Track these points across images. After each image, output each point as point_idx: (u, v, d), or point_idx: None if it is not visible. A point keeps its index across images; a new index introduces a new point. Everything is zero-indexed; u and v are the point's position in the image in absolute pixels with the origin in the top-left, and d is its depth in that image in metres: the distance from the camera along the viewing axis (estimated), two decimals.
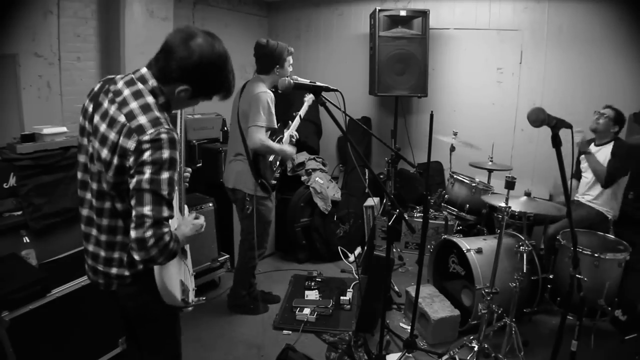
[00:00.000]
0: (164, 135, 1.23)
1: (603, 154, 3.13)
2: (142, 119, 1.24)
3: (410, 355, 2.49)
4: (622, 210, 3.22)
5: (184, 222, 1.55)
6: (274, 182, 2.86)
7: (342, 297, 3.16)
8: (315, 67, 5.07)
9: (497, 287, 2.45)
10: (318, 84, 1.74)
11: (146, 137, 1.22)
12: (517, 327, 2.47)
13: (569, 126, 1.57)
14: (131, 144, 1.22)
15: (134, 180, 1.22)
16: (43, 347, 2.00)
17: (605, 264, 2.62)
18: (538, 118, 1.54)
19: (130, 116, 1.25)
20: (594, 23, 3.85)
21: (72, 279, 2.15)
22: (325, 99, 1.72)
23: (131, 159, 1.22)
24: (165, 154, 1.23)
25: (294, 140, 2.93)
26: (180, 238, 1.38)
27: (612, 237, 2.91)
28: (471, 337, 2.55)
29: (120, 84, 1.33)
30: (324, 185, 3.95)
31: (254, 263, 2.92)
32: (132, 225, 1.22)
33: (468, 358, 2.45)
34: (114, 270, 1.40)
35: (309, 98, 2.93)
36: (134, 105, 1.27)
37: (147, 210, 1.20)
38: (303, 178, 4.01)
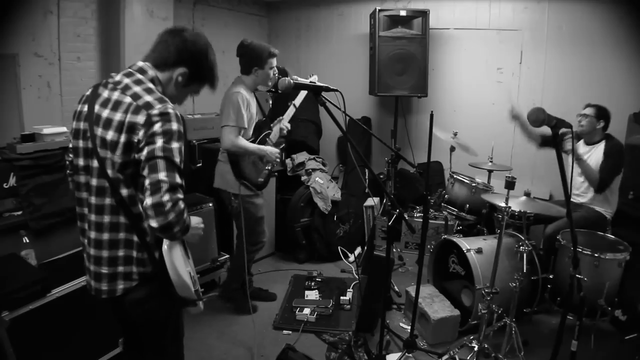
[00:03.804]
0: (171, 110, 1.30)
1: (595, 155, 3.06)
2: (148, 98, 1.31)
3: (410, 355, 2.49)
4: (621, 210, 3.19)
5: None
6: (261, 180, 2.80)
7: (342, 297, 3.16)
8: (315, 67, 5.05)
9: (497, 287, 2.44)
10: (318, 83, 1.75)
11: (155, 111, 1.28)
12: (517, 327, 2.47)
13: (569, 126, 1.58)
14: (140, 118, 1.27)
15: (145, 150, 1.25)
16: (43, 347, 2.00)
17: (605, 264, 2.62)
18: (538, 118, 1.55)
19: (136, 96, 1.31)
20: (594, 23, 3.85)
21: (72, 279, 2.15)
22: (325, 99, 1.72)
23: (141, 132, 1.26)
24: (174, 125, 1.29)
25: (284, 132, 2.89)
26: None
27: (612, 237, 2.90)
28: (471, 337, 2.55)
29: (118, 77, 1.40)
30: (324, 185, 3.95)
31: (247, 258, 2.92)
32: (147, 193, 1.22)
33: (468, 358, 2.45)
34: (120, 269, 1.38)
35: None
36: (137, 89, 1.33)
37: (162, 175, 1.23)
38: (303, 178, 4.01)
